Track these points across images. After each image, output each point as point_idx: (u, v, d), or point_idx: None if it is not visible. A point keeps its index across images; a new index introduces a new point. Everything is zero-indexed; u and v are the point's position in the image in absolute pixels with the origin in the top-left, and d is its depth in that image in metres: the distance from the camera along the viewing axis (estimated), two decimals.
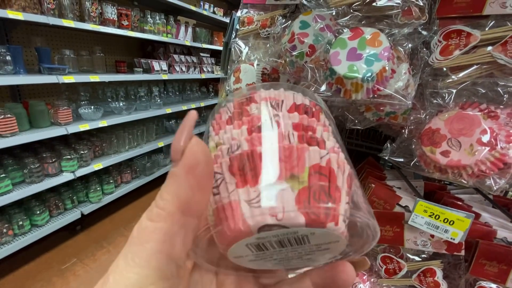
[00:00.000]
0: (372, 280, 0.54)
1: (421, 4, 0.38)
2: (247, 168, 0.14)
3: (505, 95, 0.35)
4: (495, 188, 0.33)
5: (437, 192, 0.72)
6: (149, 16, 2.24)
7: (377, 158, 0.87)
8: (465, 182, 0.33)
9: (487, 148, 0.32)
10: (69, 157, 1.80)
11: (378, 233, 0.15)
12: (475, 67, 0.35)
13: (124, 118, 2.11)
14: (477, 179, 0.33)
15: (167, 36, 2.45)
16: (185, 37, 2.75)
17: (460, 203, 0.66)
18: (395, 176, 0.77)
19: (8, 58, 1.50)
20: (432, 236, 0.47)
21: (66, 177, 1.80)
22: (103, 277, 0.13)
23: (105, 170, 2.19)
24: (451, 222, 0.41)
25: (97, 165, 1.99)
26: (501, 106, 0.34)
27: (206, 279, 0.19)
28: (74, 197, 1.98)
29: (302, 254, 0.17)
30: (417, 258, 0.51)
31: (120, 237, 2.05)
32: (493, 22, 0.35)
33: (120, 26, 2.00)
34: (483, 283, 0.48)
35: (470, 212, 0.65)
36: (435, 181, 0.82)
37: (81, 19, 1.79)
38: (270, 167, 0.14)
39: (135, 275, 0.12)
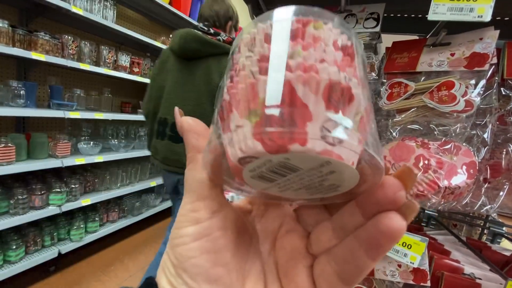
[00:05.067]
0: None
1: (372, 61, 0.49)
2: (225, 115, 0.16)
3: (435, 131, 0.42)
4: (428, 205, 0.38)
5: (413, 232, 0.75)
6: None
7: None
8: None
9: (421, 171, 0.38)
10: (58, 190, 1.79)
11: (379, 162, 0.14)
12: (413, 109, 0.44)
13: (121, 155, 2.16)
14: (418, 199, 0.38)
15: None
16: None
17: (433, 241, 0.68)
18: None
19: (22, 92, 1.63)
20: (399, 266, 0.50)
21: (51, 211, 1.76)
22: None
23: (92, 207, 2.15)
24: (409, 246, 0.44)
25: (85, 201, 1.96)
26: (431, 140, 0.41)
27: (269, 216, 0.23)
28: (55, 234, 1.89)
29: (316, 181, 0.16)
30: None
31: (96, 282, 1.90)
32: (424, 76, 0.45)
33: (131, 72, 2.21)
34: None
35: (442, 249, 0.67)
36: (412, 222, 0.85)
37: (97, 64, 1.99)
38: (234, 110, 0.15)
39: (189, 199, 0.19)
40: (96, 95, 2.15)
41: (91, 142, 2.06)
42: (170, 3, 2.43)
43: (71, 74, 2.18)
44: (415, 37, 0.76)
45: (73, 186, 1.90)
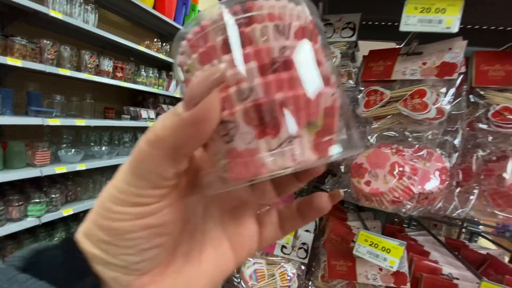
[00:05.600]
0: None
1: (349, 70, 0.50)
2: (266, 119, 0.14)
3: (409, 138, 0.44)
4: (403, 210, 0.39)
5: (395, 233, 0.77)
6: (143, 70, 2.44)
7: (341, 202, 0.92)
8: (387, 208, 0.39)
9: (396, 178, 0.39)
10: (37, 200, 1.71)
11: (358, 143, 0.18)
12: (389, 117, 0.45)
13: (105, 162, 2.10)
14: (394, 205, 0.39)
15: (158, 88, 2.64)
16: (175, 90, 2.95)
17: (413, 242, 0.70)
18: (356, 218, 0.82)
19: None
20: (381, 269, 0.50)
21: (30, 222, 1.68)
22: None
23: (74, 217, 2.07)
24: (388, 250, 0.45)
25: (67, 211, 1.88)
26: (406, 146, 0.43)
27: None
28: None
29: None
30: None
31: None
32: (399, 84, 0.46)
33: (114, 77, 2.16)
34: None
35: (422, 250, 0.69)
36: (394, 223, 0.87)
37: (78, 69, 1.93)
38: (290, 118, 0.14)
39: (137, 183, 0.15)
40: (78, 101, 2.09)
41: (73, 150, 1.98)
42: (154, 7, 2.39)
43: (51, 80, 2.10)
44: (393, 44, 0.79)
45: (53, 195, 1.82)
